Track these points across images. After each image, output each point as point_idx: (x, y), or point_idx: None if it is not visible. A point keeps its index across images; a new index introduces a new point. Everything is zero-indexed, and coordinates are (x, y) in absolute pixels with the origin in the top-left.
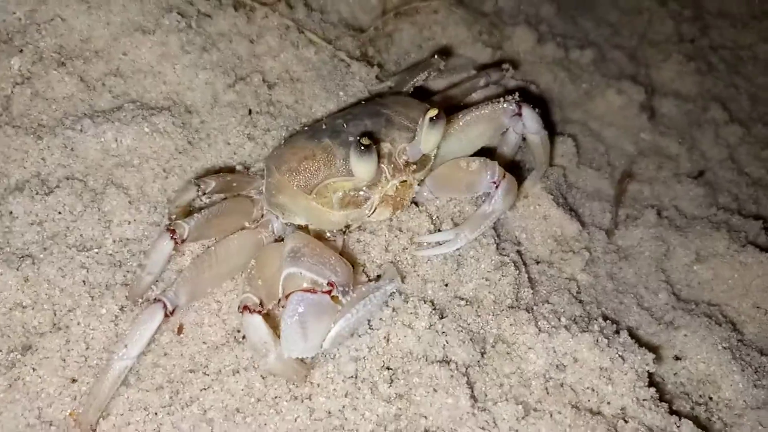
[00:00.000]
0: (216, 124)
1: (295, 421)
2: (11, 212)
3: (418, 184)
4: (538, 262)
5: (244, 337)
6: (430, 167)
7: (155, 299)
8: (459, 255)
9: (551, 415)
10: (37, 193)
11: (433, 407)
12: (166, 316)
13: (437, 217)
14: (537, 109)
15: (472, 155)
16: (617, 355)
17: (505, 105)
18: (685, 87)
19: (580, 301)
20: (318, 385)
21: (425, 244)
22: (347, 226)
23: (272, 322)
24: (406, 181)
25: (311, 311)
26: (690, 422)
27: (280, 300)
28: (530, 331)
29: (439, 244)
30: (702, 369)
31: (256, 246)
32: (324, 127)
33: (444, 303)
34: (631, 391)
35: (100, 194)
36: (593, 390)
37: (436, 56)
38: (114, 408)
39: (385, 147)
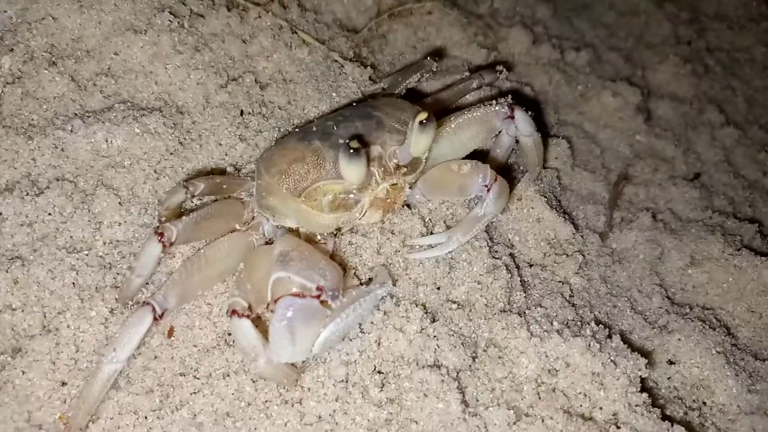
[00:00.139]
0: (208, 125)
1: (286, 425)
2: (1, 213)
3: (410, 187)
4: (531, 266)
5: (234, 341)
6: (421, 170)
7: (144, 302)
8: (451, 258)
9: (543, 421)
10: (27, 194)
11: (424, 412)
12: (155, 319)
13: (429, 219)
14: (530, 112)
15: (464, 158)
16: (609, 360)
17: (497, 107)
18: (681, 89)
19: (573, 305)
20: (308, 389)
21: (417, 246)
22: (338, 229)
23: (262, 325)
24: (396, 184)
25: (300, 316)
26: (682, 428)
27: (269, 304)
28: (522, 335)
29: (431, 246)
30: (696, 373)
31: (247, 248)
32: (314, 129)
33: (436, 306)
34: (623, 397)
35: (90, 195)
36: (585, 395)
37: (428, 58)
38: (104, 411)
39: (375, 150)
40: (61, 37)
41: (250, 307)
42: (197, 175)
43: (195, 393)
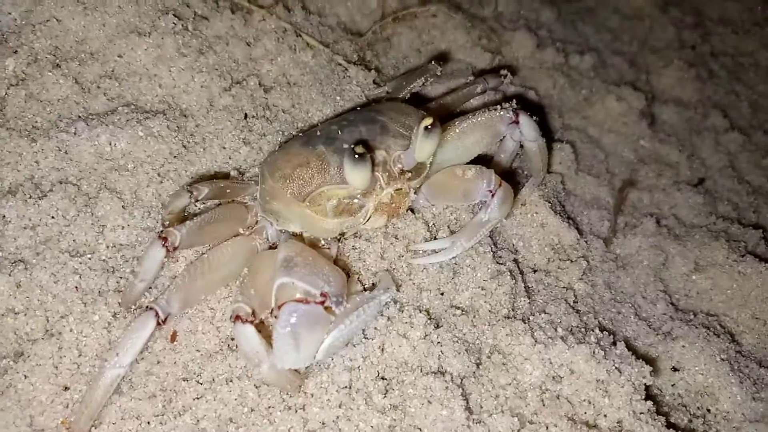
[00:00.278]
0: (211, 128)
1: (288, 431)
2: (4, 216)
3: (414, 192)
4: (535, 271)
5: (237, 346)
6: (425, 175)
7: (147, 307)
8: (455, 263)
9: (547, 428)
10: (30, 197)
11: (428, 419)
12: (158, 324)
13: (433, 224)
14: (534, 117)
15: (468, 163)
16: (614, 367)
17: (502, 112)
18: (685, 94)
19: (577, 311)
20: (312, 395)
21: (421, 252)
22: (342, 234)
23: (266, 331)
24: (401, 189)
25: (304, 322)
26: None
27: (272, 310)
28: (526, 341)
29: (435, 252)
30: (700, 380)
31: (250, 253)
32: (318, 133)
33: (439, 312)
34: (627, 404)
35: (93, 198)
36: (590, 402)
37: (432, 62)
38: (106, 416)
39: (380, 155)
40: (65, 40)
41: (253, 313)
42: (201, 179)
43: (198, 398)
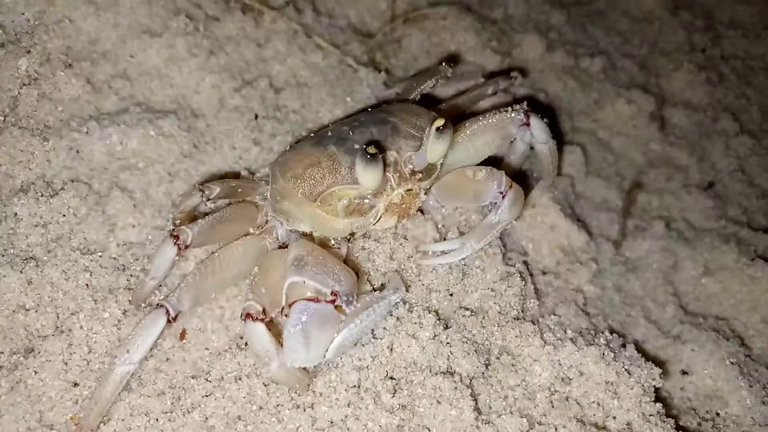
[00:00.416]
0: (222, 128)
1: (297, 430)
2: (16, 214)
3: (425, 193)
4: (544, 273)
5: (246, 344)
6: (436, 176)
7: (158, 304)
8: (464, 265)
9: (556, 429)
10: (41, 195)
11: (437, 419)
12: (168, 321)
13: (443, 226)
14: (545, 119)
15: (479, 164)
16: (623, 369)
17: (512, 114)
18: (695, 97)
19: (587, 313)
20: (320, 394)
21: (430, 252)
22: (352, 234)
23: (276, 329)
24: (411, 189)
25: (314, 321)
26: None
27: (283, 308)
28: (536, 343)
29: (444, 253)
30: (709, 384)
31: (260, 252)
32: (330, 134)
33: (449, 313)
34: (637, 406)
35: (104, 197)
36: (599, 404)
37: (443, 63)
38: (115, 413)
39: (391, 155)
40: (77, 40)
41: (264, 311)
42: (211, 179)
43: (207, 396)
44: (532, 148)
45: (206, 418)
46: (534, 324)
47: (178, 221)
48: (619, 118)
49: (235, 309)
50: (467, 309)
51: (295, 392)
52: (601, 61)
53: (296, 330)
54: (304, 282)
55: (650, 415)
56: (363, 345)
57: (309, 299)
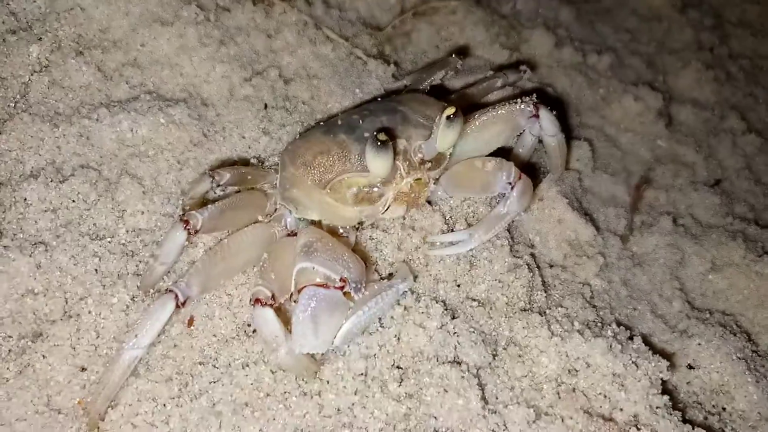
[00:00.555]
0: (232, 118)
1: (304, 417)
2: (25, 199)
3: (433, 183)
4: (551, 266)
5: (254, 331)
6: (445, 166)
7: (167, 290)
8: (472, 256)
9: (563, 420)
10: (51, 181)
11: (444, 408)
12: (177, 306)
13: (451, 216)
14: (554, 112)
15: (487, 155)
16: (630, 362)
17: (522, 106)
18: (703, 95)
19: (594, 306)
20: (328, 382)
21: (438, 243)
22: (360, 223)
23: (284, 316)
24: (421, 178)
25: (323, 306)
26: (703, 431)
27: (292, 294)
28: (543, 334)
29: (452, 244)
30: (716, 379)
31: (269, 240)
32: (339, 122)
33: (456, 303)
34: (644, 398)
35: (114, 184)
36: (605, 396)
37: (453, 55)
38: (123, 398)
39: (401, 144)
40: (88, 28)
41: (273, 297)
42: (221, 166)
43: (214, 382)
44: (540, 141)
45: (213, 404)
46: (541, 315)
47: (187, 207)
48: (626, 115)
49: (242, 296)
50: (474, 300)
51: (303, 379)
52: (609, 58)
53: (305, 315)
54: (314, 268)
55: (657, 408)
56: (370, 334)
57: (318, 285)
